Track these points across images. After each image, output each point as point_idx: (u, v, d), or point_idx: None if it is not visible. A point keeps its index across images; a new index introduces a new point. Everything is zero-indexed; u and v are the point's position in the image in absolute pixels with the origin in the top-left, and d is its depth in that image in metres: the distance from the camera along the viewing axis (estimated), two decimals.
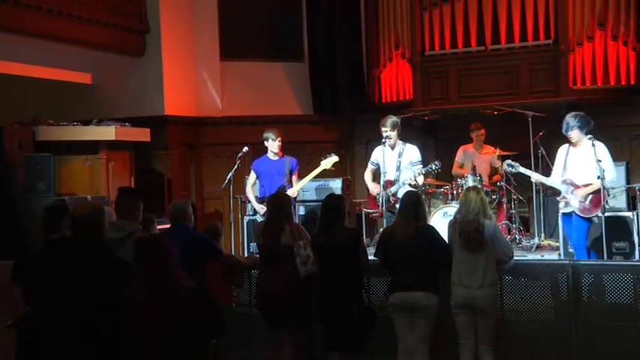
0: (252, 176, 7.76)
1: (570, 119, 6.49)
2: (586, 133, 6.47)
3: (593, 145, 6.31)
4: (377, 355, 5.43)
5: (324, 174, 8.11)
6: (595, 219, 6.41)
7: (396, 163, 7.15)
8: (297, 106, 11.13)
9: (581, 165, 6.44)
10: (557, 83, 9.65)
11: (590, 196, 6.32)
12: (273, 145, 7.58)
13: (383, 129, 7.18)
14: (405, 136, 7.50)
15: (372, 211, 7.49)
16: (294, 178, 7.62)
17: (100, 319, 3.88)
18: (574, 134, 6.47)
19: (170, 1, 10.14)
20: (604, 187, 6.22)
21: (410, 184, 6.97)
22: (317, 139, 11.01)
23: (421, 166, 7.16)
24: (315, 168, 7.74)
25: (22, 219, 7.45)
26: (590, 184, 6.31)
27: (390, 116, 7.33)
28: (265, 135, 7.62)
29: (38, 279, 4.14)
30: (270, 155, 7.66)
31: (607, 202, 6.40)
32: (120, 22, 9.49)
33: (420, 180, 7.15)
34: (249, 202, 8.04)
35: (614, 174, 6.41)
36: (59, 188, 8.07)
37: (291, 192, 7.32)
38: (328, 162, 7.68)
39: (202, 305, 3.83)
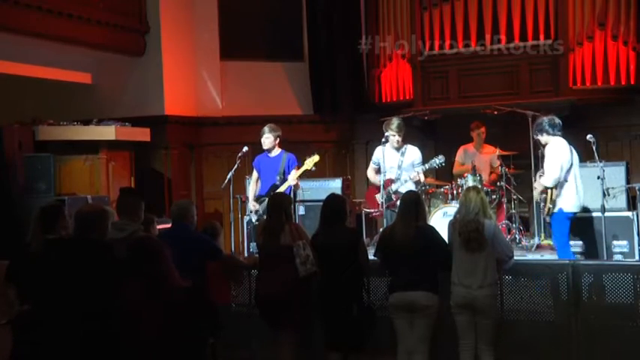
0: (255, 173, 7.72)
1: (546, 126, 6.57)
2: (548, 133, 6.60)
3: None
4: (377, 355, 5.43)
5: (324, 174, 8.09)
6: (547, 218, 6.61)
7: (398, 161, 7.16)
8: (297, 106, 11.13)
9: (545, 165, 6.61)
10: (557, 83, 9.65)
11: (543, 195, 6.52)
12: (262, 140, 7.47)
13: (390, 132, 7.16)
14: (405, 136, 7.51)
15: (372, 210, 7.48)
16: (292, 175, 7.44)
17: (97, 319, 3.88)
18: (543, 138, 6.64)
19: (170, 1, 10.15)
20: (548, 187, 6.45)
21: (413, 180, 6.97)
22: (317, 139, 11.01)
23: (422, 167, 7.17)
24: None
25: (22, 219, 7.44)
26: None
27: (395, 118, 7.34)
28: (262, 131, 7.53)
29: (34, 279, 4.14)
30: (269, 152, 7.58)
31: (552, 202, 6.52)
32: (120, 22, 9.50)
33: (423, 177, 7.16)
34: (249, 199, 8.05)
35: (554, 173, 6.40)
36: (59, 188, 8.08)
37: (282, 188, 7.25)
38: (309, 162, 7.45)
39: (198, 305, 3.83)
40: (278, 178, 7.41)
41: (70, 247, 4.22)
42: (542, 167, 6.63)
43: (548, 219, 6.68)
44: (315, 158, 7.46)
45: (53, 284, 4.01)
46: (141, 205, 4.92)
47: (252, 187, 7.70)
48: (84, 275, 3.97)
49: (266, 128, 7.50)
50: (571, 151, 6.54)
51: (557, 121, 6.61)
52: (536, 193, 6.69)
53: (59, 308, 3.94)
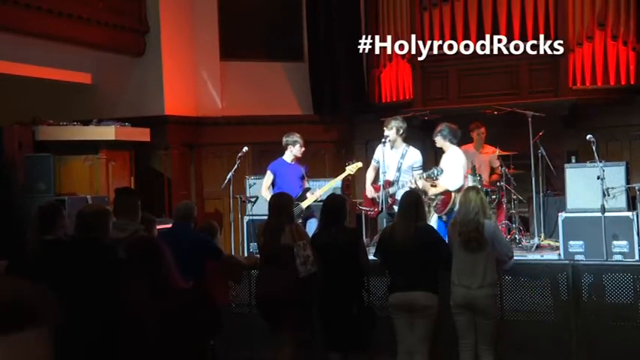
0: (270, 178, 7.69)
1: (448, 134, 7.32)
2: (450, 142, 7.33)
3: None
4: (377, 355, 5.44)
5: (324, 174, 8.12)
6: (444, 217, 7.09)
7: (397, 164, 7.16)
8: (297, 106, 11.13)
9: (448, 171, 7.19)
10: (557, 83, 9.65)
11: (441, 196, 7.13)
12: (299, 150, 7.67)
13: (384, 127, 7.24)
14: (405, 138, 7.52)
15: (367, 208, 7.51)
16: (305, 182, 7.76)
17: (99, 321, 3.87)
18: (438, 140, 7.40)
19: (170, 1, 10.14)
20: (451, 191, 7.05)
21: (410, 187, 6.98)
22: (317, 139, 10.98)
23: (421, 171, 7.17)
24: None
25: (22, 219, 7.44)
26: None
27: (395, 117, 7.42)
28: (293, 139, 7.66)
29: (32, 280, 4.12)
30: (287, 159, 7.69)
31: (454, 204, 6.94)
32: (120, 22, 9.49)
33: (420, 184, 7.13)
34: (251, 202, 8.09)
35: (459, 180, 7.11)
36: (59, 188, 8.07)
37: (317, 194, 7.54)
38: (353, 167, 7.79)
39: (199, 306, 3.81)
40: (304, 183, 7.72)
41: (70, 248, 4.20)
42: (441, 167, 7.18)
43: (445, 218, 7.13)
44: (359, 164, 7.83)
45: (52, 286, 3.98)
46: (139, 204, 4.93)
47: (267, 193, 7.58)
48: (85, 276, 3.95)
49: (300, 140, 7.68)
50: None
51: (459, 133, 7.46)
52: (432, 192, 7.18)
53: (60, 309, 3.92)
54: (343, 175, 7.83)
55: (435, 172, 7.10)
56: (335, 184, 7.88)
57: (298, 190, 7.46)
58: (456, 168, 7.16)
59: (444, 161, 7.29)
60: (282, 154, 7.76)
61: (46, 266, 4.10)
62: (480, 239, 4.92)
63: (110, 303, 3.82)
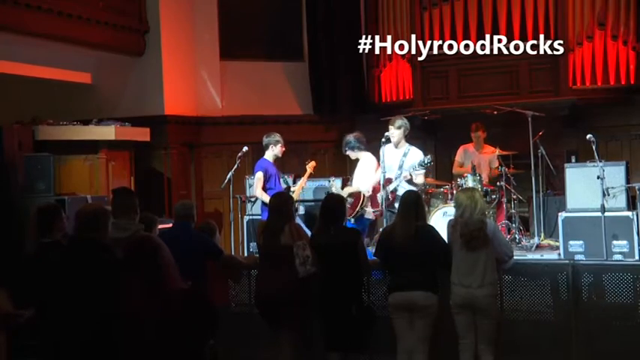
0: (262, 177, 7.68)
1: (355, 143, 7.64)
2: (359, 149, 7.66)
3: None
4: (377, 355, 5.44)
5: (324, 173, 8.18)
6: (352, 220, 7.27)
7: (400, 161, 7.19)
8: (297, 106, 11.13)
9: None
10: (556, 83, 9.65)
11: (351, 199, 7.33)
12: (280, 150, 7.79)
13: (389, 126, 7.32)
14: (408, 138, 7.55)
15: (372, 209, 7.52)
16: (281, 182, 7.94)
17: (99, 322, 3.86)
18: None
19: (170, 1, 10.14)
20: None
21: (406, 180, 7.03)
22: (317, 139, 11.01)
23: (423, 171, 7.20)
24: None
25: (22, 219, 7.44)
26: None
27: (400, 116, 7.47)
28: (275, 139, 7.77)
29: (28, 283, 4.10)
30: (270, 158, 7.78)
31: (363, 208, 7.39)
32: (120, 22, 9.49)
33: (420, 180, 7.14)
34: (251, 202, 8.11)
35: (367, 182, 7.45)
36: (59, 188, 8.06)
37: (297, 193, 7.74)
38: (310, 166, 8.06)
39: (196, 307, 3.80)
40: (284, 181, 7.91)
41: (66, 251, 4.17)
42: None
43: (353, 220, 7.33)
44: (312, 163, 8.09)
45: (47, 288, 3.97)
46: (137, 204, 4.93)
47: (264, 193, 7.60)
48: (81, 278, 3.92)
49: (281, 139, 7.81)
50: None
51: (364, 139, 7.71)
52: (345, 192, 7.42)
53: (59, 312, 3.91)
54: (307, 175, 8.03)
55: (426, 161, 7.12)
56: (305, 183, 8.07)
57: (283, 189, 7.59)
58: (367, 172, 7.51)
59: (359, 167, 7.68)
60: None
61: (40, 269, 4.07)
62: (485, 238, 4.92)
63: (107, 303, 3.81)
